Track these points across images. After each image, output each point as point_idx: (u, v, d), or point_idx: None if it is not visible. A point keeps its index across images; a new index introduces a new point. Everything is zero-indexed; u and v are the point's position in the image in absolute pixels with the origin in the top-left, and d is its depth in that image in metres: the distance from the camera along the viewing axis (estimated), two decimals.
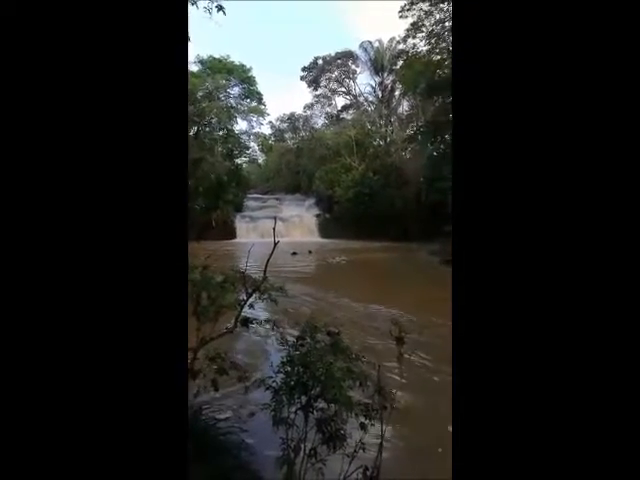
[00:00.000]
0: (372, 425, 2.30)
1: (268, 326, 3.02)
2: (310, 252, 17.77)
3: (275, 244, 2.81)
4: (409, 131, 27.12)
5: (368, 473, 2.22)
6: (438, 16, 19.44)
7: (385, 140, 29.19)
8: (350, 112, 33.69)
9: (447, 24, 19.50)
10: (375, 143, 29.39)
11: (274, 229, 3.13)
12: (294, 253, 16.72)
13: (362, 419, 2.27)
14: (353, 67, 31.91)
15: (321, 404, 2.18)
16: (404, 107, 30.23)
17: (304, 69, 32.62)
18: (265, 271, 2.82)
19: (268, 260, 2.81)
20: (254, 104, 28.38)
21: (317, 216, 27.43)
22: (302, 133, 36.04)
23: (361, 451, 2.22)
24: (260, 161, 36.40)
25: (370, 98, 32.21)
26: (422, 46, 20.49)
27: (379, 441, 2.29)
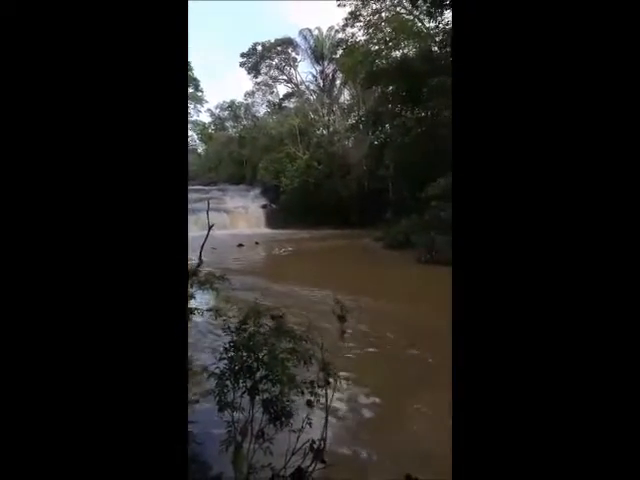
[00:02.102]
0: (318, 401, 2.38)
1: (211, 314, 2.96)
2: (257, 243, 17.51)
3: (210, 227, 2.75)
4: (351, 120, 27.57)
5: (315, 446, 2.30)
6: (375, 6, 19.83)
7: (328, 129, 29.41)
8: (292, 100, 33.39)
9: (383, 14, 19.96)
10: (318, 132, 29.50)
11: (207, 212, 3.05)
12: (240, 245, 16.39)
13: (308, 396, 2.34)
14: (293, 55, 31.54)
15: (266, 386, 2.21)
16: (345, 96, 30.63)
17: (243, 55, 31.59)
18: (200, 256, 2.75)
19: (203, 244, 2.74)
20: (190, 90, 26.98)
21: (263, 207, 27.03)
22: (244, 122, 35.05)
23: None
24: (200, 151, 34.79)
25: (312, 87, 32.17)
26: (360, 36, 20.83)
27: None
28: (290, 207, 25.07)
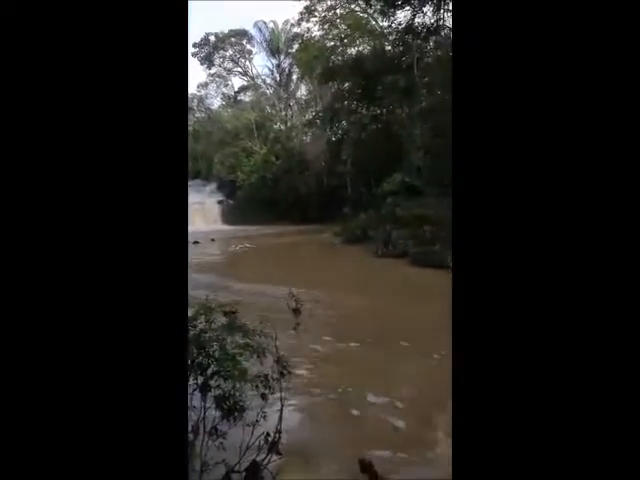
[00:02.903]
0: (272, 394, 2.39)
1: None
2: (213, 240, 17.07)
3: None
4: (308, 116, 27.57)
5: (270, 439, 2.31)
6: (330, 2, 19.91)
7: (285, 124, 29.19)
8: (248, 94, 32.68)
9: (338, 11, 20.08)
10: (276, 127, 29.18)
11: None
12: (196, 242, 15.87)
13: (262, 389, 2.34)
14: (248, 47, 30.85)
15: (218, 382, 2.17)
16: (302, 91, 30.55)
17: (195, 45, 30.37)
18: None
19: None
20: None
21: (220, 202, 26.33)
22: (197, 114, 33.77)
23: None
24: None
25: (268, 80, 31.70)
26: (316, 31, 20.84)
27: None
28: (247, 203, 24.65)
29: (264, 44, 30.05)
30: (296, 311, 2.72)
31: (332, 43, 20.89)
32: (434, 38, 16.71)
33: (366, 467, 2.64)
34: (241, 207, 25.03)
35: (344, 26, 20.44)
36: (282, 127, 29.11)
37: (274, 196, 23.73)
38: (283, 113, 29.57)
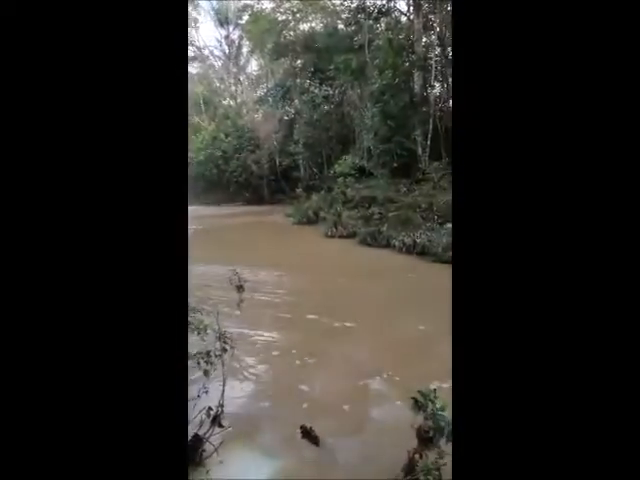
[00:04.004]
0: (215, 370, 2.41)
1: None
2: None
3: None
4: (259, 92, 26.68)
5: (212, 412, 2.35)
6: None
7: (235, 100, 28.01)
8: (195, 65, 30.74)
9: None
10: (225, 102, 27.91)
11: None
12: None
13: (205, 366, 2.35)
14: (194, 14, 28.79)
15: None
16: (253, 66, 29.36)
17: None
18: None
19: None
20: None
21: None
22: None
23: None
24: None
25: (216, 52, 29.98)
26: (267, 3, 19.96)
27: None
28: (196, 182, 23.60)
29: (211, 12, 28.24)
30: (239, 288, 2.74)
31: (284, 17, 20.18)
32: (385, 20, 16.79)
33: (307, 432, 2.78)
34: (189, 187, 23.88)
35: (296, 0, 19.79)
36: (232, 103, 27.92)
37: (224, 175, 22.94)
38: (233, 88, 28.30)
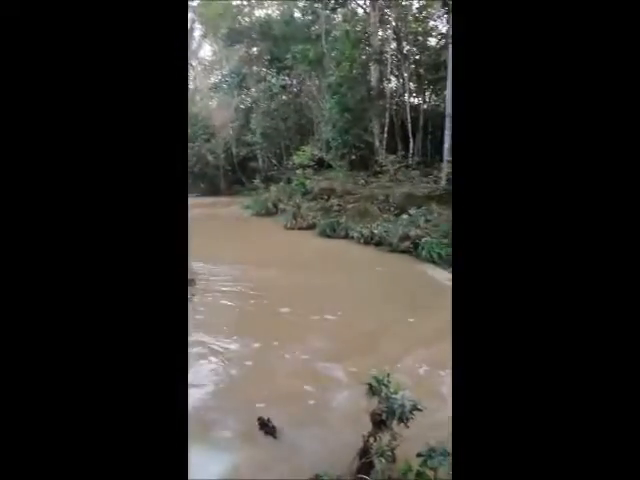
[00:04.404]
0: None
1: None
2: None
3: None
4: (214, 79, 25.68)
5: None
6: None
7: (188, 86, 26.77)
8: None
9: None
10: None
11: None
12: None
13: None
14: None
15: None
16: (207, 52, 28.14)
17: None
18: None
19: None
20: None
21: None
22: None
23: None
24: None
25: None
26: None
27: None
28: None
29: None
30: (191, 282, 2.66)
31: (238, 2, 19.51)
32: (342, 11, 16.77)
33: (264, 424, 2.79)
34: None
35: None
36: None
37: None
38: None
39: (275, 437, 2.83)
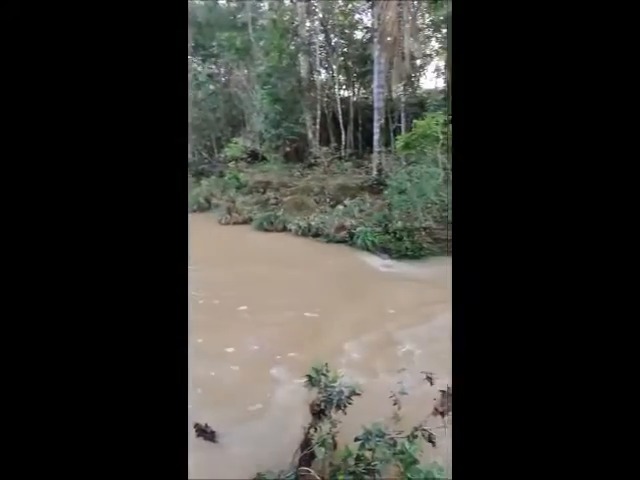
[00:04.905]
0: None
1: None
2: None
3: None
4: None
5: None
6: None
7: None
8: None
9: None
10: None
11: None
12: None
13: None
14: None
15: None
16: None
17: None
18: None
19: None
20: None
21: None
22: None
23: None
24: None
25: None
26: None
27: None
28: None
29: None
30: None
31: None
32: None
33: (202, 430, 2.66)
34: None
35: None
36: None
37: None
38: None
39: (215, 442, 2.72)
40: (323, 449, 2.24)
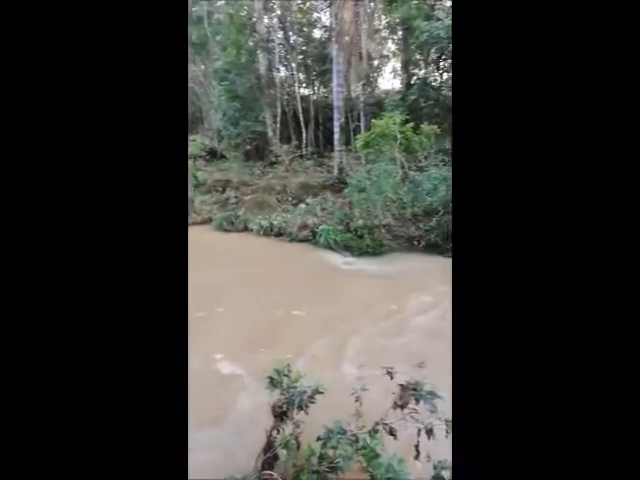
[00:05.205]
0: None
1: None
2: None
3: None
4: None
5: None
6: None
7: None
8: None
9: None
10: None
11: None
12: None
13: None
14: None
15: None
16: None
17: None
18: None
19: None
20: None
21: None
22: None
23: None
24: None
25: None
26: None
27: None
28: None
29: None
30: None
31: None
32: None
33: None
34: None
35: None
36: None
37: None
38: None
39: None
40: (285, 451, 2.22)
